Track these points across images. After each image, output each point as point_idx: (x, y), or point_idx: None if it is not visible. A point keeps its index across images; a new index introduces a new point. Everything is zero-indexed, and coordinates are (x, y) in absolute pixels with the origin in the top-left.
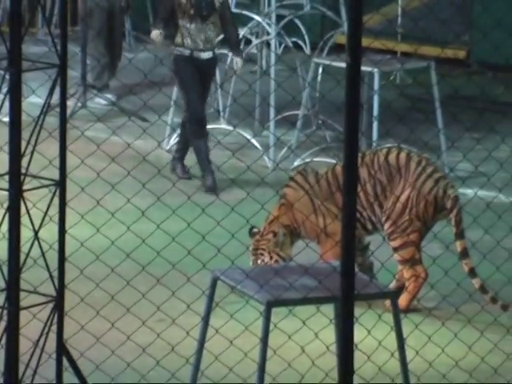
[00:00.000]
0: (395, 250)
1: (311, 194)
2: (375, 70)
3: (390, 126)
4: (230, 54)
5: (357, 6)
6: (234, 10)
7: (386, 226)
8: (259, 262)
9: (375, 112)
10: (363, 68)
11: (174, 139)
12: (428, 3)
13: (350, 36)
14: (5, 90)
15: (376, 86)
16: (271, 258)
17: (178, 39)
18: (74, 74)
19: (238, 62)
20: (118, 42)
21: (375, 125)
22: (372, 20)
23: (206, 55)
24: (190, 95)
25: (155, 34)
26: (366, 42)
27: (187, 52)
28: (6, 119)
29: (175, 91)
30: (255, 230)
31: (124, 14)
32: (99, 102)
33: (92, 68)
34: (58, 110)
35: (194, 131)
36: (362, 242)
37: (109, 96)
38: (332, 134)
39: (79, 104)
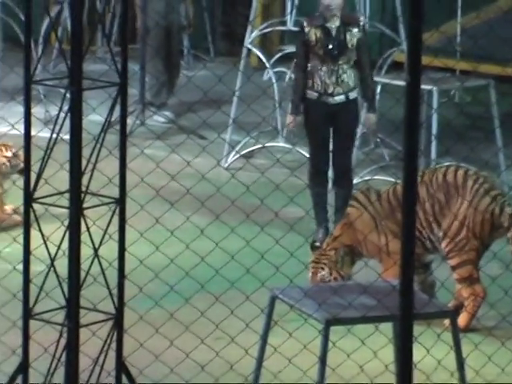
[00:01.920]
0: (453, 268)
1: (373, 212)
2: (434, 88)
3: (449, 145)
4: (369, 115)
5: (416, 25)
6: (292, 28)
7: (444, 244)
8: (318, 275)
9: (434, 130)
10: (422, 86)
11: (233, 157)
12: (488, 21)
13: (410, 54)
14: (65, 107)
15: (435, 104)
16: (331, 274)
17: (308, 81)
18: (132, 91)
19: (370, 117)
20: (176, 60)
21: (434, 143)
22: (431, 38)
23: (337, 99)
24: (313, 143)
25: (292, 120)
26: (425, 60)
27: (315, 95)
28: (67, 137)
29: (233, 109)
30: (317, 244)
31: (183, 32)
32: (158, 119)
33: (151, 86)
34: (117, 127)
35: (312, 179)
36: (423, 261)
37: (167, 114)
38: (390, 152)
39: (138, 122)
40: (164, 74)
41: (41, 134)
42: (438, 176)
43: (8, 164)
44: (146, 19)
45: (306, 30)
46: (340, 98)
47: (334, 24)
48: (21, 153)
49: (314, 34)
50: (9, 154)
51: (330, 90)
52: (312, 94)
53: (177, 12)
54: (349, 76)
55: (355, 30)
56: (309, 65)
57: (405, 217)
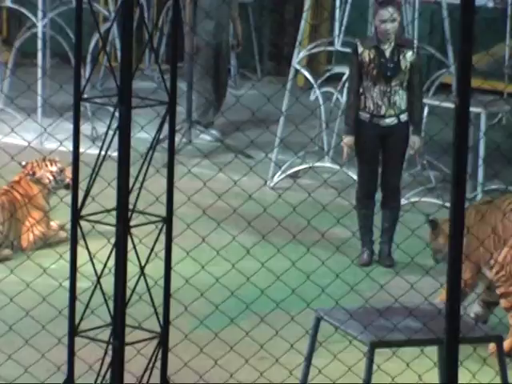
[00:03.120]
0: (501, 296)
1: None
2: (483, 111)
3: (497, 168)
4: (415, 138)
5: (466, 48)
6: (340, 48)
7: (494, 271)
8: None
9: (482, 153)
10: (471, 109)
11: (279, 176)
12: None
13: (459, 77)
14: (113, 125)
15: (483, 127)
16: None
17: (360, 102)
18: (179, 109)
19: (415, 141)
20: (224, 79)
21: (482, 166)
22: (480, 60)
23: (389, 121)
24: (362, 164)
25: (349, 141)
26: (474, 82)
27: (367, 116)
28: (115, 154)
29: (280, 129)
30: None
31: (232, 50)
32: (205, 138)
33: (198, 105)
34: (164, 145)
35: (360, 200)
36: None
37: (214, 132)
38: (437, 174)
39: (184, 140)
40: (212, 93)
41: (88, 151)
42: (500, 204)
43: (52, 179)
44: (196, 38)
45: (360, 50)
46: (391, 120)
47: (388, 46)
48: (67, 168)
49: (367, 54)
50: (54, 168)
51: (382, 112)
52: (364, 116)
53: (226, 31)
54: (401, 98)
55: (409, 53)
56: (361, 86)
57: (452, 239)
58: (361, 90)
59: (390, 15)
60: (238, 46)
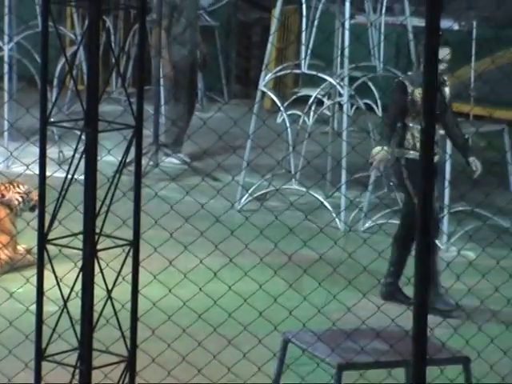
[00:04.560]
0: None
1: None
2: None
3: (464, 190)
4: (471, 160)
5: (431, 70)
6: (306, 71)
7: None
8: None
9: (448, 175)
10: (436, 130)
11: (246, 199)
12: (502, 67)
13: (425, 99)
14: (80, 148)
15: (448, 149)
16: None
17: (409, 142)
18: (146, 132)
19: (477, 163)
20: (194, 103)
21: (448, 188)
22: None
23: (436, 159)
24: (409, 205)
25: (380, 154)
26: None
27: (416, 155)
28: (81, 178)
29: (247, 151)
30: None
31: (199, 70)
32: (172, 161)
33: (170, 131)
34: (131, 169)
35: (403, 241)
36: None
37: (181, 156)
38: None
39: (151, 163)
40: (179, 117)
41: (55, 174)
42: None
43: (21, 199)
44: (168, 63)
45: (410, 90)
46: (437, 158)
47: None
48: (34, 191)
49: (418, 93)
50: (21, 190)
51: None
52: (415, 155)
53: (195, 56)
54: (440, 136)
55: (446, 88)
56: (409, 124)
57: (417, 263)
58: (408, 129)
59: (446, 55)
60: (204, 65)
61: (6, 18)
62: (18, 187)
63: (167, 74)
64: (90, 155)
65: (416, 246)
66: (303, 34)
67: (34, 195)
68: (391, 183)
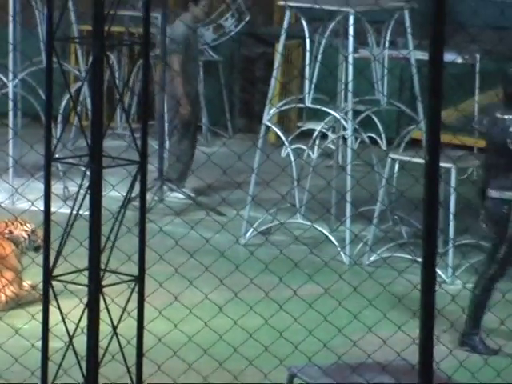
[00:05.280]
0: None
1: None
2: (453, 166)
3: (468, 223)
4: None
5: (435, 104)
6: (310, 105)
7: None
8: None
9: (452, 208)
10: (441, 164)
11: (251, 233)
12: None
13: (429, 133)
14: (85, 184)
15: (453, 182)
16: None
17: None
18: (150, 167)
19: None
20: (196, 139)
21: (452, 221)
22: (449, 116)
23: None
24: (496, 243)
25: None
26: (443, 138)
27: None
28: (86, 213)
29: (252, 186)
30: None
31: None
32: (176, 196)
33: (170, 164)
34: (135, 204)
35: (489, 283)
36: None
37: (186, 191)
38: (408, 229)
39: (156, 198)
40: (184, 153)
41: (60, 210)
42: None
43: (27, 238)
44: (166, 98)
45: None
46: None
47: None
48: (39, 230)
49: None
50: (27, 228)
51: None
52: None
53: (197, 90)
54: None
55: None
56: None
57: (423, 296)
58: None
59: None
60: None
61: (11, 55)
62: (26, 225)
63: (185, 110)
64: (95, 191)
65: (422, 279)
66: (307, 69)
67: (40, 235)
68: (396, 217)
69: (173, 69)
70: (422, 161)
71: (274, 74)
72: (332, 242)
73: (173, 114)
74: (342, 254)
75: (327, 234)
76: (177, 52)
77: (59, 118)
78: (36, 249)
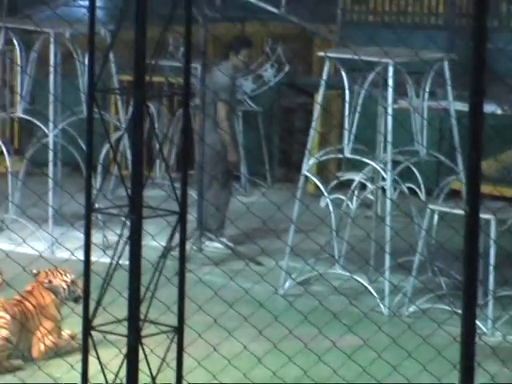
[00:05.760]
0: None
1: None
2: (492, 217)
3: (508, 275)
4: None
5: (475, 156)
6: (350, 155)
7: None
8: None
9: (492, 260)
10: (480, 216)
11: (290, 283)
12: None
13: (469, 184)
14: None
15: (493, 233)
16: None
17: None
18: (189, 217)
19: None
20: (230, 184)
21: (492, 273)
22: (489, 167)
23: None
24: None
25: None
26: (483, 189)
27: None
28: (126, 263)
29: (290, 236)
30: None
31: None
32: (215, 246)
33: (211, 214)
34: (174, 253)
35: None
36: None
37: (224, 240)
38: (448, 281)
39: (195, 248)
40: (223, 202)
41: (99, 259)
42: None
43: (66, 288)
44: (206, 148)
45: None
46: None
47: None
48: (79, 280)
49: None
50: (67, 279)
51: None
52: None
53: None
54: None
55: None
56: None
57: (463, 346)
58: None
59: None
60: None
61: (51, 105)
62: (65, 275)
63: (234, 157)
64: (135, 241)
65: (462, 330)
66: (346, 120)
67: (79, 285)
68: (435, 268)
69: (219, 116)
70: (461, 212)
71: (314, 124)
72: (371, 293)
73: (214, 163)
74: (381, 304)
75: (366, 284)
76: (223, 100)
77: (99, 168)
78: (76, 300)
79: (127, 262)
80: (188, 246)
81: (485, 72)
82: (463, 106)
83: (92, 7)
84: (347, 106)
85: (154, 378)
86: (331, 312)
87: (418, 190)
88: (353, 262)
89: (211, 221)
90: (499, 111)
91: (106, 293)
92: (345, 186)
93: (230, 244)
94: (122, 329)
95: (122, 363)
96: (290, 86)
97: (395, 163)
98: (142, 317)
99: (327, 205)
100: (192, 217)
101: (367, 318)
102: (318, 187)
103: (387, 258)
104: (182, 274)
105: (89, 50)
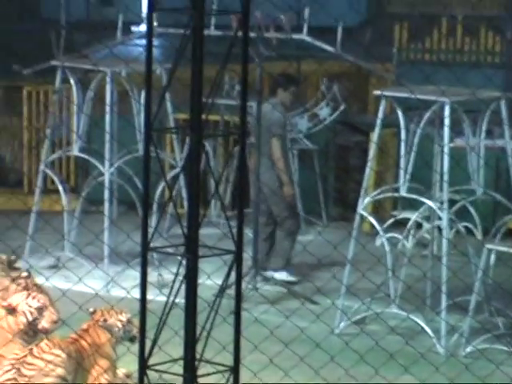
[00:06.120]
0: None
1: None
2: None
3: None
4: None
5: None
6: (406, 195)
7: None
8: None
9: None
10: None
11: (345, 323)
12: None
13: None
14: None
15: None
16: None
17: None
18: (244, 255)
19: None
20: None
21: None
22: None
23: None
24: None
25: None
26: None
27: None
28: (181, 301)
29: (346, 275)
30: None
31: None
32: (270, 284)
33: (265, 252)
34: (229, 291)
35: None
36: None
37: (284, 275)
38: (505, 321)
39: (250, 286)
40: (277, 240)
41: (153, 297)
42: None
43: (122, 327)
44: (262, 186)
45: None
46: None
47: None
48: (135, 320)
49: None
50: (123, 318)
51: None
52: None
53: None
54: None
55: None
56: None
57: None
58: None
59: None
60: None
61: (107, 144)
62: (121, 314)
63: (291, 191)
64: (191, 280)
65: None
66: (402, 160)
67: (135, 325)
68: (492, 308)
69: (273, 152)
70: None
71: (369, 164)
72: (427, 333)
73: (276, 202)
74: (437, 345)
75: (423, 324)
76: (276, 135)
77: (154, 207)
78: (131, 339)
79: (183, 301)
80: (243, 284)
81: None
82: None
83: (149, 46)
84: (403, 144)
85: None
86: (387, 352)
87: (474, 230)
88: (409, 302)
89: (266, 258)
90: None
91: (162, 331)
92: (400, 224)
93: (292, 278)
94: (178, 368)
95: None
96: (346, 124)
97: (451, 202)
98: (197, 356)
99: (382, 244)
100: (247, 255)
101: (424, 359)
102: (373, 226)
103: (444, 297)
104: (237, 313)
105: (146, 88)
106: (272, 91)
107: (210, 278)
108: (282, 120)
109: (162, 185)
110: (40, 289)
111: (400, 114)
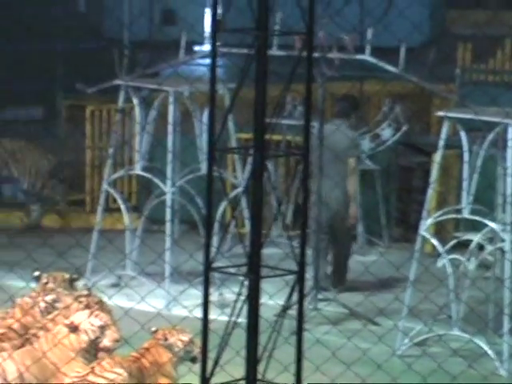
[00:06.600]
0: None
1: None
2: None
3: None
4: None
5: None
6: (469, 216)
7: None
8: None
9: None
10: None
11: (407, 344)
12: None
13: None
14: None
15: None
16: None
17: None
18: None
19: None
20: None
21: None
22: None
23: None
24: None
25: None
26: None
27: None
28: (242, 321)
29: (408, 296)
30: None
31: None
32: (331, 305)
33: (327, 273)
34: (290, 311)
35: None
36: None
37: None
38: None
39: (311, 307)
40: (341, 259)
41: (215, 317)
42: None
43: (183, 347)
44: (322, 206)
45: None
46: None
47: None
48: (196, 340)
49: None
50: (184, 337)
51: None
52: None
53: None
54: None
55: None
56: None
57: None
58: None
59: None
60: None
61: (169, 163)
62: (182, 334)
63: (355, 213)
64: (253, 300)
65: None
66: (465, 182)
67: (197, 345)
68: None
69: (350, 171)
70: None
71: (432, 184)
72: (490, 356)
73: (339, 220)
74: (500, 367)
75: (485, 347)
76: (355, 155)
77: (216, 226)
78: (192, 360)
79: (244, 321)
80: (304, 305)
81: None
82: None
83: (213, 66)
84: (466, 166)
85: None
86: (450, 374)
87: None
88: (471, 324)
89: (327, 278)
90: None
91: (223, 351)
92: (463, 246)
93: (347, 303)
94: None
95: None
96: (408, 145)
97: None
98: (259, 376)
99: (444, 265)
100: (308, 275)
101: (487, 381)
102: (435, 247)
103: (506, 319)
104: (299, 333)
105: (209, 108)
106: (338, 114)
107: (272, 299)
108: (357, 141)
109: (223, 204)
110: (102, 306)
111: (463, 135)
